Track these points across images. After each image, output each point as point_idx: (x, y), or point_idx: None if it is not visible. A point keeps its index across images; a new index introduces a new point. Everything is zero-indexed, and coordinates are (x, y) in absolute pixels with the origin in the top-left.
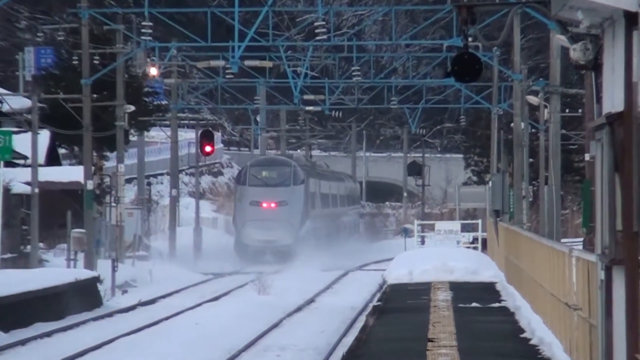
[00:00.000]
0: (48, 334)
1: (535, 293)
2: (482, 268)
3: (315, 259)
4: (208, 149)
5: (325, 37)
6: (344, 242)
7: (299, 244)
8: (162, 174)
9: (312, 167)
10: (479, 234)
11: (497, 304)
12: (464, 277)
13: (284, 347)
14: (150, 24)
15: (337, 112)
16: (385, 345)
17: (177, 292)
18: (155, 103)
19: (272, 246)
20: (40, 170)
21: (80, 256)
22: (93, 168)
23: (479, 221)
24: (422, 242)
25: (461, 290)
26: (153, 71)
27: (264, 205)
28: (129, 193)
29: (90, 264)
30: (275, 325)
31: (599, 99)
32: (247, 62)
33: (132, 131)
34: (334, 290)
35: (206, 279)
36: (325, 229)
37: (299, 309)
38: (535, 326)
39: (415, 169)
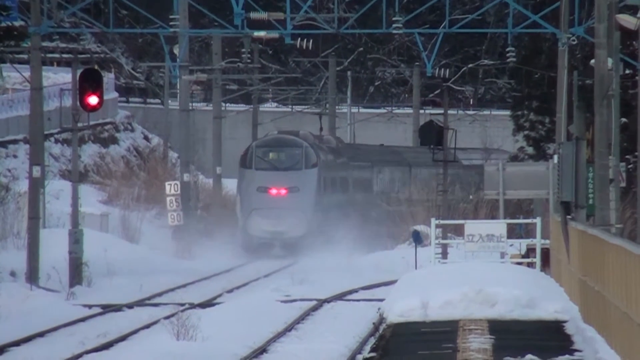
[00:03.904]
0: None
1: (633, 339)
2: (542, 298)
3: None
4: (93, 100)
5: None
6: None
7: (310, 236)
8: (15, 142)
9: (322, 146)
10: (538, 242)
11: (567, 357)
12: (512, 313)
13: None
14: None
15: (305, 42)
16: None
17: (41, 335)
18: (4, 24)
19: (281, 237)
20: None
21: None
22: None
23: (538, 220)
24: (444, 255)
25: (508, 334)
26: None
27: (273, 192)
28: None
29: None
30: None
31: None
32: None
33: None
34: (300, 333)
35: (91, 313)
36: (338, 222)
37: None
38: None
39: (432, 134)
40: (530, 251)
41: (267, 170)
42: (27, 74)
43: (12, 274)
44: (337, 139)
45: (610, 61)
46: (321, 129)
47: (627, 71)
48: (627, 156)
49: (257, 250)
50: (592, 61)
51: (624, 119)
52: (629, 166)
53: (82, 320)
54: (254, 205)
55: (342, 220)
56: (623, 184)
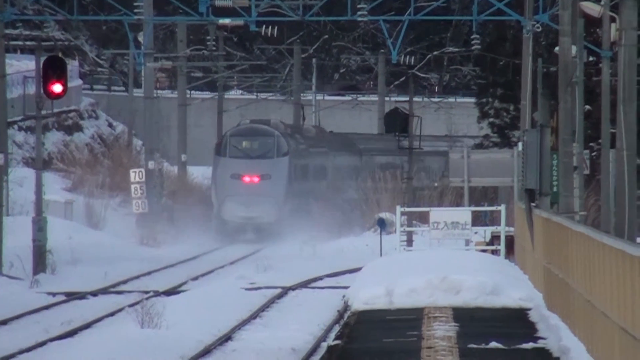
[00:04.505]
0: None
1: (595, 326)
2: (506, 285)
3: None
4: (57, 88)
5: None
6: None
7: (282, 221)
8: None
9: (295, 135)
10: (502, 230)
11: (531, 344)
12: (477, 300)
13: None
14: None
15: (270, 29)
16: None
17: (4, 323)
18: None
19: (253, 223)
20: None
21: None
22: None
23: (502, 207)
24: (409, 243)
25: (473, 322)
26: None
27: (246, 179)
28: None
29: None
30: None
31: None
32: None
33: None
34: (265, 321)
35: (56, 301)
36: (308, 209)
37: (206, 353)
38: None
39: (397, 122)
40: (494, 239)
41: (241, 158)
42: None
43: None
44: (317, 127)
45: (574, 48)
46: (303, 118)
47: (591, 58)
48: (590, 143)
49: (231, 235)
50: (557, 48)
51: (587, 107)
52: (593, 153)
53: (46, 308)
54: (228, 192)
55: (312, 206)
56: (587, 172)
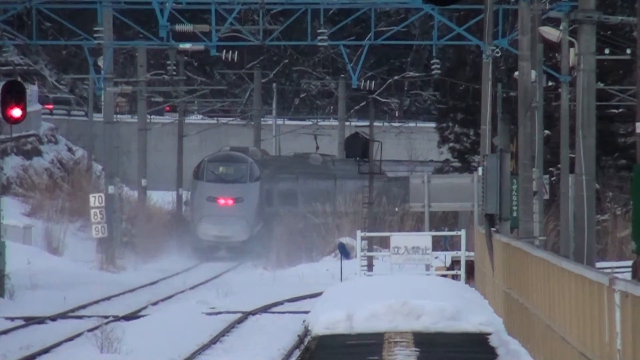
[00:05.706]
0: None
1: (555, 351)
2: (466, 310)
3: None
4: (16, 112)
5: None
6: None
7: (253, 241)
8: None
9: (269, 162)
10: (462, 254)
11: None
12: (437, 325)
13: None
14: None
15: (230, 54)
16: None
17: None
18: None
19: (226, 242)
20: None
21: None
22: None
23: (462, 232)
24: (370, 267)
25: (433, 347)
26: None
27: (221, 201)
28: None
29: None
30: None
31: None
32: None
33: None
34: (225, 346)
35: (14, 326)
36: (276, 231)
37: None
38: None
39: (357, 147)
40: (455, 263)
41: (216, 182)
42: None
43: None
44: (324, 155)
45: (533, 73)
46: (317, 147)
47: (550, 83)
48: (550, 168)
49: (205, 253)
50: (516, 73)
51: (547, 131)
52: (552, 178)
53: (4, 332)
54: (204, 213)
55: (278, 229)
56: (546, 196)
